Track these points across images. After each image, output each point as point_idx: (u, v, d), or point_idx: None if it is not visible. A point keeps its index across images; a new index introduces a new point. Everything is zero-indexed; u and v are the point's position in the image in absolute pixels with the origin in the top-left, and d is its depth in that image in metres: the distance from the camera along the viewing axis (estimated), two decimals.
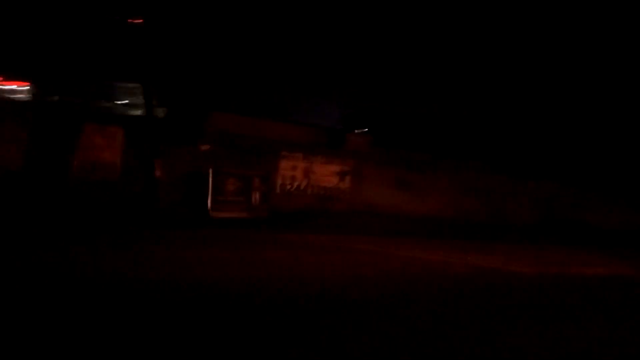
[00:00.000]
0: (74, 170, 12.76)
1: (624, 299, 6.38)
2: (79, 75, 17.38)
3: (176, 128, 14.48)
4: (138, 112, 16.10)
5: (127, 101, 17.79)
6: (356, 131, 20.43)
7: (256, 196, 14.31)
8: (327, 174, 17.03)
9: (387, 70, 22.97)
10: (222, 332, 3.51)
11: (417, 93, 22.02)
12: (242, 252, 8.65)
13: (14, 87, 16.72)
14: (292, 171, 16.32)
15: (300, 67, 21.70)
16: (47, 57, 17.30)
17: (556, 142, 22.26)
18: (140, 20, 14.49)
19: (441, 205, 18.91)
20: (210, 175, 13.24)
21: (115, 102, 18.16)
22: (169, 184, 13.39)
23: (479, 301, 5.51)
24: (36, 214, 10.84)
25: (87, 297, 4.35)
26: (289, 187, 16.23)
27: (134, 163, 13.46)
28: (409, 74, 22.45)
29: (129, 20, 14.77)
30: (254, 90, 21.13)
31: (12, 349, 2.78)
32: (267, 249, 9.34)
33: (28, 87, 16.67)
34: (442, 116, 21.73)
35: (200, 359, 2.91)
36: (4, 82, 16.79)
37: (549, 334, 4.10)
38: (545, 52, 23.23)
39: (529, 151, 21.40)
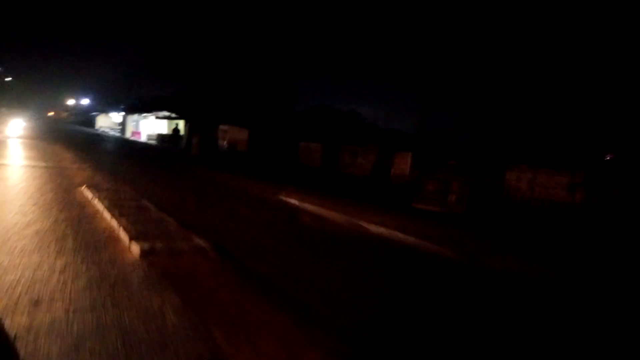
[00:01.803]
0: (391, 176, 22.50)
1: None
2: None
3: None
4: None
5: None
6: None
7: (452, 197, 17.88)
8: (553, 186, 15.83)
9: None
10: None
11: None
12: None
13: None
14: (516, 182, 16.98)
15: None
16: None
17: None
18: None
19: None
20: (415, 178, 18.92)
21: None
22: (413, 185, 20.18)
23: None
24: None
25: None
26: (512, 197, 17.05)
27: (415, 173, 21.24)
28: None
29: None
30: None
31: None
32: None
33: None
34: None
35: None
36: None
37: None
38: None
39: None
